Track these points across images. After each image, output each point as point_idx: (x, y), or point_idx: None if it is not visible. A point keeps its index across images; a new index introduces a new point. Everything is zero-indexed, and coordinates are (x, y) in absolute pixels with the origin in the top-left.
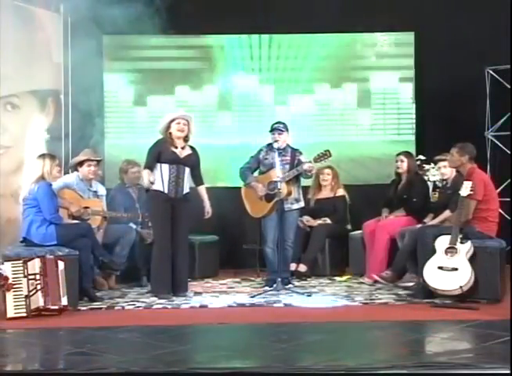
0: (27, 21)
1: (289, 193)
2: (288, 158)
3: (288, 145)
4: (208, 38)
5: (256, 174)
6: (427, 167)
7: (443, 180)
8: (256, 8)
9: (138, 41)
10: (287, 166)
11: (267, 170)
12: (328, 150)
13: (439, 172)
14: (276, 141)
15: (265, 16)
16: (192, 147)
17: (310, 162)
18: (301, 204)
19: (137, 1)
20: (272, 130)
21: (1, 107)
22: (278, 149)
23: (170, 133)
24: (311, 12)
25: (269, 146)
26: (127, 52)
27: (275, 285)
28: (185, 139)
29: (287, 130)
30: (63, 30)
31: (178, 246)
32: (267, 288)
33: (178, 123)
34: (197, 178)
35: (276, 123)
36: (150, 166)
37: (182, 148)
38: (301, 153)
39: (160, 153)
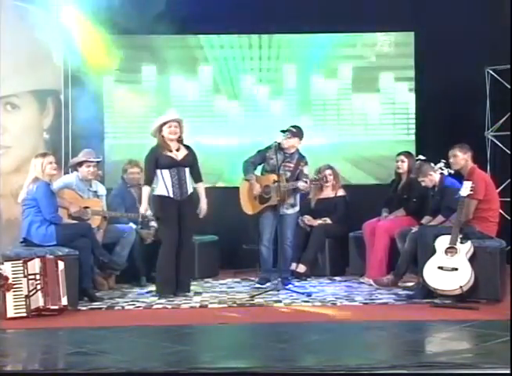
0: (28, 21)
1: (282, 200)
2: (292, 166)
3: (297, 150)
4: (208, 38)
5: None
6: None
7: (432, 187)
8: (256, 8)
9: (138, 40)
10: (289, 173)
11: (271, 170)
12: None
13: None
14: (287, 144)
15: (265, 16)
16: (187, 146)
17: (306, 182)
18: (296, 209)
19: (137, 2)
20: (285, 131)
21: (1, 107)
22: (285, 153)
23: (162, 136)
24: (311, 12)
25: (278, 146)
26: (127, 52)
27: (268, 284)
28: (179, 140)
29: (300, 136)
30: (63, 30)
31: (182, 246)
32: (267, 287)
33: (170, 126)
34: (196, 176)
35: (292, 126)
36: (150, 179)
37: (177, 150)
38: (305, 163)
39: (157, 160)
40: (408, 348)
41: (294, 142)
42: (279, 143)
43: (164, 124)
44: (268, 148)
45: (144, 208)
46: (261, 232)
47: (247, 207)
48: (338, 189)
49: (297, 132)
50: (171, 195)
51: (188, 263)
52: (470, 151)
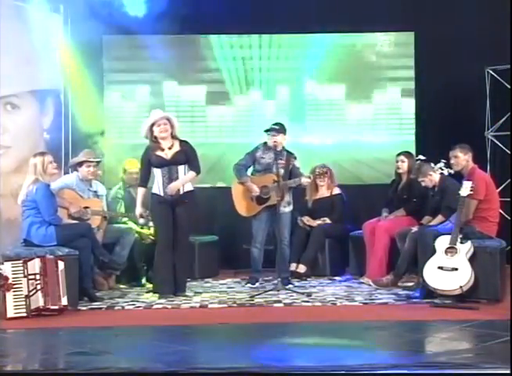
0: (27, 21)
1: (282, 198)
2: (283, 162)
3: (283, 148)
4: (208, 38)
5: (250, 171)
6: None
7: (432, 187)
8: (256, 8)
9: (137, 40)
10: (282, 170)
11: (263, 169)
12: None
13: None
14: (274, 142)
15: (264, 16)
16: (182, 142)
17: (309, 177)
18: (291, 207)
19: (137, 2)
20: (268, 130)
21: (1, 107)
22: (275, 151)
23: (155, 137)
24: (310, 12)
25: (266, 146)
26: (127, 52)
27: (257, 283)
28: (172, 136)
29: (284, 132)
30: (63, 30)
31: (176, 246)
32: (260, 287)
33: (159, 125)
34: (191, 167)
35: (274, 124)
36: (144, 180)
37: (170, 148)
38: (295, 158)
39: (149, 161)
40: (408, 348)
41: (280, 138)
42: (266, 142)
43: (153, 124)
44: (257, 148)
45: (138, 211)
46: (254, 234)
47: (243, 210)
48: (333, 188)
49: (279, 129)
50: (161, 193)
51: (183, 263)
52: (470, 151)
